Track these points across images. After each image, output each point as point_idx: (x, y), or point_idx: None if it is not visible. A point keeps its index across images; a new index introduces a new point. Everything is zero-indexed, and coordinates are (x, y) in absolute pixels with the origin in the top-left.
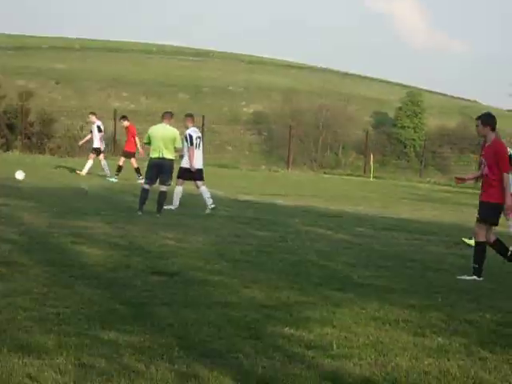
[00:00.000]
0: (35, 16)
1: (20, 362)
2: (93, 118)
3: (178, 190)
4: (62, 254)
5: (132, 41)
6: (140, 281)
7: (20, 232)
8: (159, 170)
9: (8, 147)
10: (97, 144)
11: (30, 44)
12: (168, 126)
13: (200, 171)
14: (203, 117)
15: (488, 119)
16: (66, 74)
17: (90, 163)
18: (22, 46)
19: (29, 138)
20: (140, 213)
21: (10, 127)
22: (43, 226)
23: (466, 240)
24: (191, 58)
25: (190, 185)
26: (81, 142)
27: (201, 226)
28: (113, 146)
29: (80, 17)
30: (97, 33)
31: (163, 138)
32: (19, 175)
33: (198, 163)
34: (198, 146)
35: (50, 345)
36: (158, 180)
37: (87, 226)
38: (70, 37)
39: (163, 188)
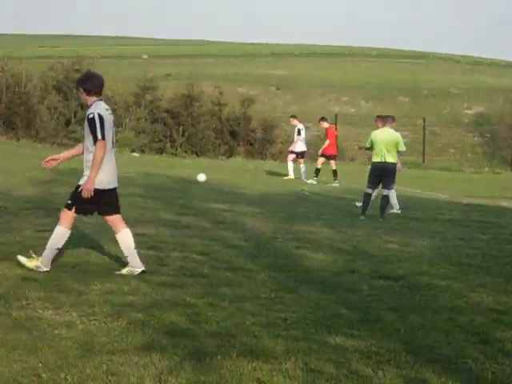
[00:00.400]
0: (256, 24)
1: (249, 366)
2: (294, 121)
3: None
4: (287, 258)
5: (349, 45)
6: (365, 285)
7: (245, 238)
8: (382, 174)
9: (231, 153)
10: (298, 148)
11: (250, 51)
12: (390, 129)
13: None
14: (424, 119)
15: None
16: (286, 79)
17: (302, 168)
18: (242, 53)
19: (251, 144)
20: (363, 217)
21: (233, 134)
22: (268, 231)
23: None
24: (410, 61)
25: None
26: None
27: (424, 229)
28: (335, 150)
29: (296, 23)
30: (316, 38)
31: (386, 142)
32: (201, 177)
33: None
34: None
35: (279, 350)
36: (381, 184)
37: (311, 231)
38: (289, 43)
39: (386, 192)
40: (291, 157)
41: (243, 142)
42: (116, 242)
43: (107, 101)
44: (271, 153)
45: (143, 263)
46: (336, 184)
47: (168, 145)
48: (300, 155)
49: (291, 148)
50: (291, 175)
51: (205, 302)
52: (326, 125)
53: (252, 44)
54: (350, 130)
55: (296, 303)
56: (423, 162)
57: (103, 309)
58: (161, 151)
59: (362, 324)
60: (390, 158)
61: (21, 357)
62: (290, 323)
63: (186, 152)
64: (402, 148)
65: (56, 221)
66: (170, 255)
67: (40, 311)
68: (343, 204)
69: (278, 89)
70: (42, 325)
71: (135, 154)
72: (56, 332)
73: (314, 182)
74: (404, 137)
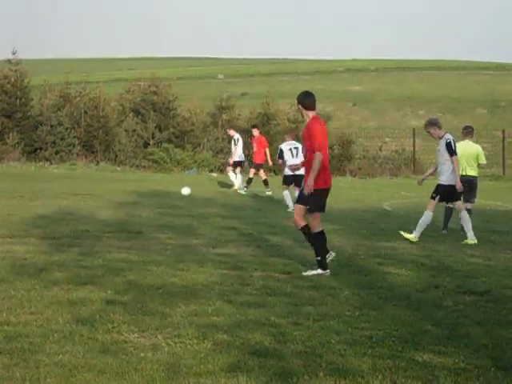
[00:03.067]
0: (330, 41)
1: None
2: (231, 131)
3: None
4: (370, 275)
5: (424, 59)
6: (450, 300)
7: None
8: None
9: None
10: (237, 157)
11: (325, 68)
12: (470, 142)
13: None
14: (503, 131)
15: None
16: (362, 95)
17: (237, 175)
18: (317, 70)
19: (329, 161)
20: (445, 231)
21: None
22: (350, 248)
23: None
24: (487, 72)
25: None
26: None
27: (507, 242)
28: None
29: (371, 38)
30: (390, 53)
31: (466, 154)
32: (185, 191)
33: None
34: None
35: (365, 368)
36: (463, 198)
37: (393, 247)
38: (364, 58)
39: (469, 206)
40: (230, 168)
41: None
42: (200, 265)
43: (184, 122)
44: (349, 169)
45: (226, 283)
46: (269, 192)
47: (246, 163)
48: (238, 165)
49: (230, 160)
50: (236, 186)
51: (289, 321)
52: (256, 133)
53: (327, 61)
54: (429, 144)
55: (381, 320)
56: (504, 174)
57: (188, 331)
58: None
59: (448, 340)
60: (471, 171)
61: (108, 381)
62: (375, 341)
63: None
64: (483, 161)
65: (137, 244)
66: (253, 275)
67: (126, 334)
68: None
69: (354, 104)
70: (128, 348)
71: (213, 174)
72: (142, 355)
73: (244, 192)
74: (483, 149)
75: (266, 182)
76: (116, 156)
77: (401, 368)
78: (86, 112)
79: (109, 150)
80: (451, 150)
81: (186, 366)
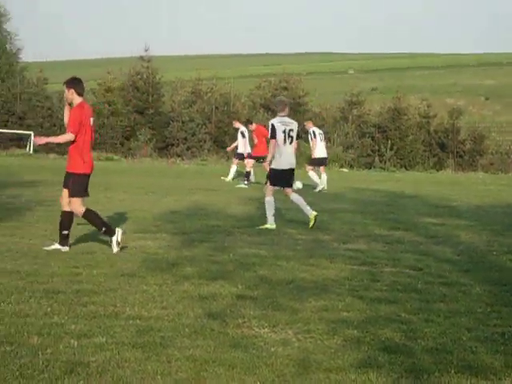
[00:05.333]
0: (462, 35)
1: (468, 382)
2: (236, 124)
3: None
4: (502, 272)
5: None
6: None
7: (458, 252)
8: None
9: (440, 166)
10: (246, 150)
11: (457, 62)
12: None
13: None
14: None
15: None
16: (495, 89)
17: (234, 168)
18: (449, 64)
19: (461, 157)
20: None
21: (442, 146)
22: (481, 244)
23: None
24: None
25: None
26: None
27: None
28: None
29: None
30: None
31: None
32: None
33: None
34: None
35: (497, 365)
36: None
37: None
38: (496, 52)
39: None
40: (251, 161)
41: (452, 154)
42: (330, 260)
43: (315, 117)
44: (482, 164)
45: (356, 279)
46: (244, 185)
47: (376, 159)
48: (242, 157)
49: (243, 151)
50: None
51: (420, 317)
52: (253, 127)
53: (459, 54)
54: None
55: None
56: None
57: (318, 326)
58: (369, 166)
59: None
60: None
61: (239, 375)
62: (508, 338)
63: (394, 166)
64: None
65: (268, 239)
66: (383, 270)
67: (256, 329)
68: None
69: (486, 98)
70: (258, 343)
71: (344, 170)
72: (272, 350)
73: (246, 186)
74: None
75: (248, 174)
76: None
77: None
78: (216, 108)
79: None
80: None
81: (316, 362)
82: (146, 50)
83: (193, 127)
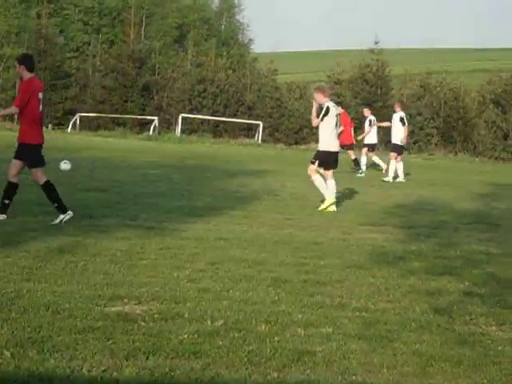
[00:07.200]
0: None
1: None
2: (367, 112)
3: None
4: None
5: None
6: None
7: None
8: None
9: None
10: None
11: None
12: None
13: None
14: None
15: None
16: None
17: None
18: None
19: None
20: None
21: None
22: None
23: None
24: None
25: None
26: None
27: None
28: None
29: None
30: None
31: None
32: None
33: None
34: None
35: None
36: None
37: None
38: None
39: None
40: (364, 150)
41: None
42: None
43: None
44: None
45: None
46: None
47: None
48: (371, 148)
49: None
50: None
51: None
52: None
53: None
54: None
55: None
56: None
57: None
58: None
59: None
60: None
61: (465, 372)
62: None
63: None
64: None
65: (497, 236)
66: None
67: (483, 327)
68: None
69: None
70: (485, 341)
71: None
72: (500, 348)
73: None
74: None
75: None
76: (475, 147)
77: None
78: (445, 103)
79: (467, 141)
80: None
81: None
82: (376, 43)
83: (420, 121)
